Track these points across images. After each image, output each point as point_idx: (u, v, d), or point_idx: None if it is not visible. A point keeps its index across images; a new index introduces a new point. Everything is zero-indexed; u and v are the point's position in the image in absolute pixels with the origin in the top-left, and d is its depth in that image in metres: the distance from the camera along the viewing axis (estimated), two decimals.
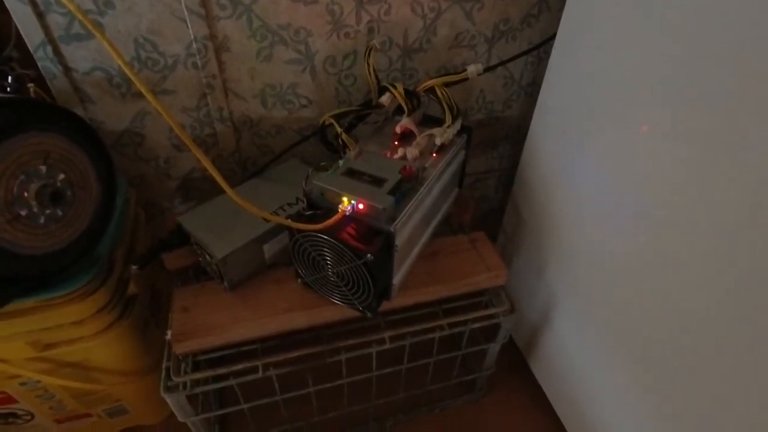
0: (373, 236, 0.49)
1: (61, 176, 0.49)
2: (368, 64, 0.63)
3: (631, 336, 0.57)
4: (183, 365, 0.57)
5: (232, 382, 0.59)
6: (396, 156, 0.58)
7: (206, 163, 0.45)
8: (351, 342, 0.61)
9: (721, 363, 0.45)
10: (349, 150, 0.59)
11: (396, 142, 0.62)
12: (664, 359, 0.52)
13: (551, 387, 0.79)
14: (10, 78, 0.60)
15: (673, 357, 0.51)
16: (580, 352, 0.68)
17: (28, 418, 0.69)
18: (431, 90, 0.62)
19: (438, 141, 0.60)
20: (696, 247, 0.45)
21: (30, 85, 0.60)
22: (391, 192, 0.50)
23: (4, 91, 0.59)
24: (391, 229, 0.49)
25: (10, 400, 0.65)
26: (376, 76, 0.64)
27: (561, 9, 0.60)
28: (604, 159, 0.56)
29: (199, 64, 0.64)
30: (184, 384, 0.56)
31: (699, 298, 0.46)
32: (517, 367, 0.87)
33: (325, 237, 0.49)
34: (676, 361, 0.50)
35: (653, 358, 0.54)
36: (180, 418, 0.61)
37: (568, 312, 0.70)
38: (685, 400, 0.50)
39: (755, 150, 0.38)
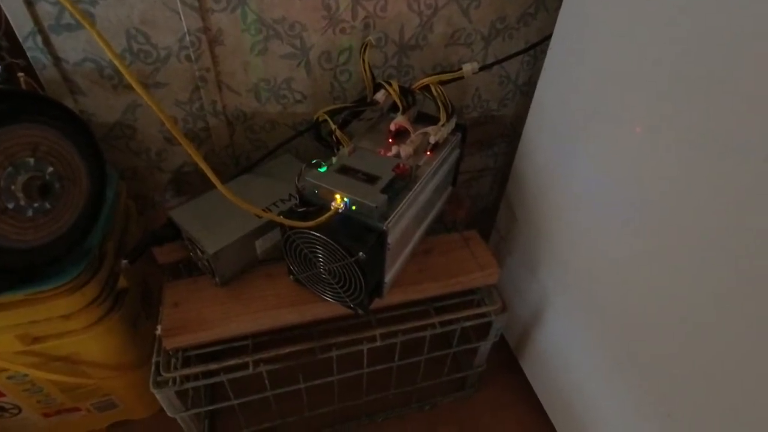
0: (365, 234, 0.49)
1: (50, 169, 0.48)
2: (364, 60, 0.63)
3: (621, 335, 0.58)
4: (173, 360, 0.57)
5: (223, 378, 0.59)
6: (390, 154, 0.58)
7: (197, 159, 0.44)
8: (342, 339, 0.61)
9: (712, 361, 0.45)
10: (343, 147, 0.59)
11: (390, 140, 0.61)
12: (655, 358, 0.53)
13: (541, 385, 0.80)
14: None
15: (664, 356, 0.51)
16: (571, 351, 0.69)
17: (15, 411, 0.68)
18: (426, 88, 0.62)
19: (432, 139, 0.59)
20: (688, 245, 0.46)
21: (20, 74, 0.59)
22: (384, 190, 0.50)
23: None
24: (384, 228, 0.48)
25: None
26: (372, 73, 0.64)
27: (558, 9, 0.60)
28: (598, 158, 0.56)
29: (193, 56, 0.63)
30: (174, 380, 0.56)
31: (691, 297, 0.46)
32: (507, 364, 0.88)
33: (318, 234, 0.49)
34: (668, 360, 0.51)
35: (644, 357, 0.54)
36: (169, 414, 0.61)
37: (559, 310, 0.70)
38: (677, 398, 0.51)
39: (750, 150, 0.38)
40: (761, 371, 0.40)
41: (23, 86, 0.58)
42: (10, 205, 0.45)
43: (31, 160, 0.46)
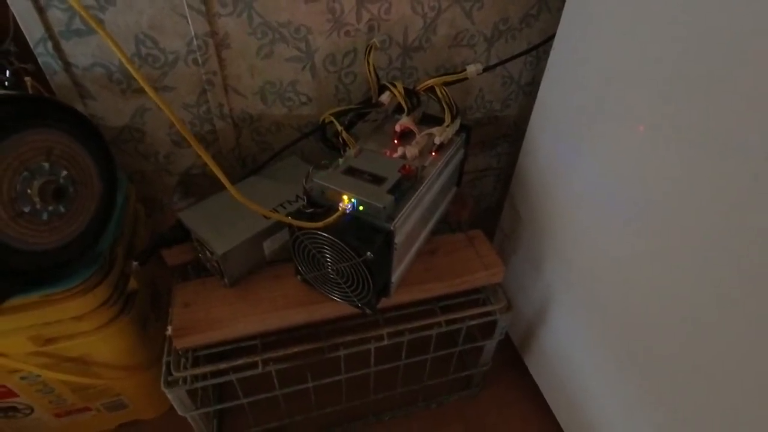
0: (372, 234, 0.50)
1: (64, 173, 0.49)
2: (368, 62, 0.63)
3: (622, 334, 0.58)
4: (183, 360, 0.58)
5: (232, 377, 0.60)
6: (395, 155, 0.59)
7: (207, 160, 0.45)
8: (350, 338, 0.62)
9: (713, 360, 0.46)
10: (349, 148, 0.60)
11: (395, 141, 0.62)
12: (656, 358, 0.53)
13: (546, 383, 0.81)
14: (7, 72, 0.59)
15: (664, 356, 0.52)
16: (574, 349, 0.69)
17: (28, 411, 0.69)
18: (431, 89, 0.62)
19: (437, 140, 0.60)
20: (690, 244, 0.46)
21: (27, 78, 0.60)
22: (391, 191, 0.51)
23: (2, 85, 0.59)
24: (391, 228, 0.49)
25: (11, 394, 0.65)
26: (376, 75, 0.64)
27: (560, 9, 0.60)
28: (601, 157, 0.57)
29: (200, 60, 0.64)
30: (185, 379, 0.57)
31: (692, 296, 0.47)
32: (512, 363, 0.88)
33: (326, 235, 0.50)
34: (668, 359, 0.51)
35: (644, 357, 0.55)
36: (180, 413, 0.62)
37: (563, 309, 0.71)
38: (678, 397, 0.51)
39: (750, 149, 0.39)
40: (762, 370, 0.41)
41: (30, 91, 0.59)
42: (27, 209, 0.46)
43: (46, 165, 0.47)
